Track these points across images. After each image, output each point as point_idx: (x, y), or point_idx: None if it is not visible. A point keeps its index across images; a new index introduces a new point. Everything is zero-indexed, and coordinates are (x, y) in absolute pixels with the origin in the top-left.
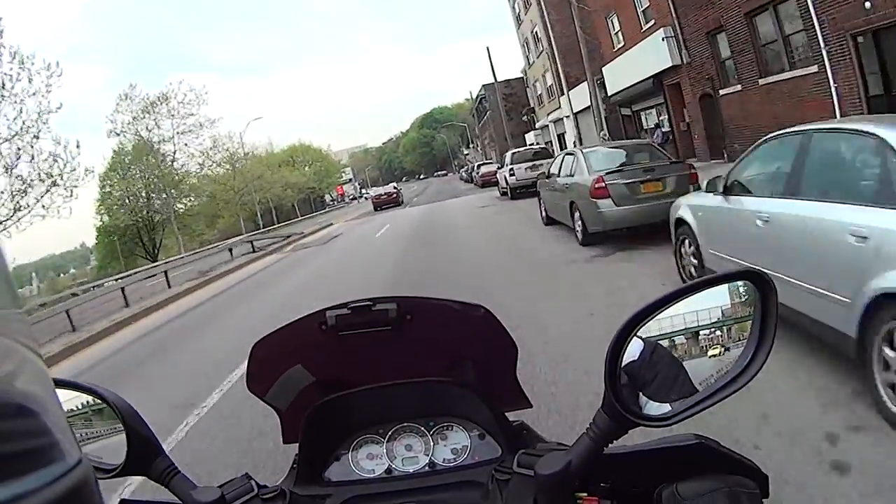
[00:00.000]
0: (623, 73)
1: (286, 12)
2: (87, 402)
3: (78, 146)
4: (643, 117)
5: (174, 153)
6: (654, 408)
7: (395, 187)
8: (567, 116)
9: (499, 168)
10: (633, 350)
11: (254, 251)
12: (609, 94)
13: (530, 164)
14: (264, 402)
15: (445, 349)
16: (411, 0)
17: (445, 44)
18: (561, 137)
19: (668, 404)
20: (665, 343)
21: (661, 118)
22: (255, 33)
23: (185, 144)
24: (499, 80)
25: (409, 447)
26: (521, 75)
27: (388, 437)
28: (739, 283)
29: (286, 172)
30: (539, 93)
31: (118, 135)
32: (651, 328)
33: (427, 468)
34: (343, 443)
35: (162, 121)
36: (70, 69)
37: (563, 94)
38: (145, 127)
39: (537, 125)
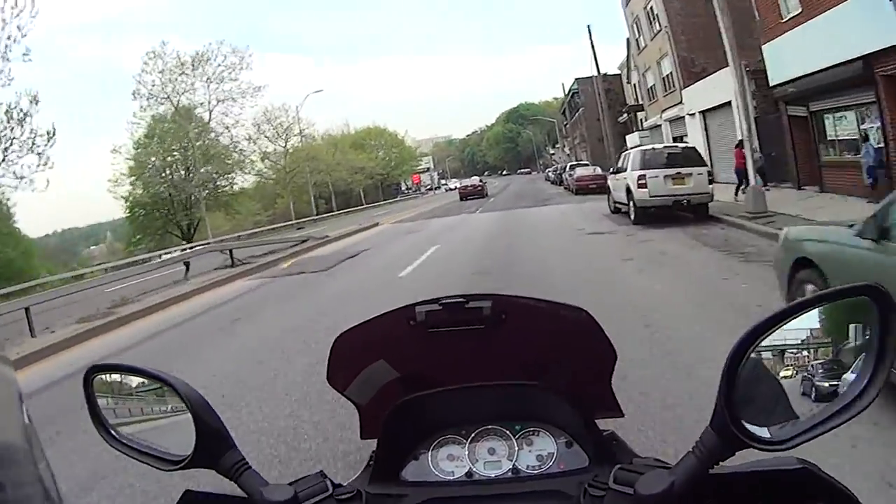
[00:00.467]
0: (800, 53)
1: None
2: (155, 390)
3: (35, 102)
4: (829, 122)
5: (208, 121)
6: (754, 430)
7: (480, 180)
8: (691, 114)
9: (611, 173)
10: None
11: (233, 265)
12: (772, 83)
13: (673, 171)
14: (344, 397)
15: (538, 351)
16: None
17: (535, 44)
18: (678, 141)
19: (766, 428)
20: (772, 361)
21: (868, 126)
22: (346, 19)
23: (224, 114)
24: (593, 74)
25: (491, 451)
26: (617, 72)
27: (470, 438)
28: (856, 299)
29: (353, 156)
30: (651, 84)
31: (147, 99)
32: (760, 345)
33: (510, 474)
34: (423, 442)
35: (198, 84)
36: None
37: (685, 85)
38: (175, 90)
39: (646, 125)
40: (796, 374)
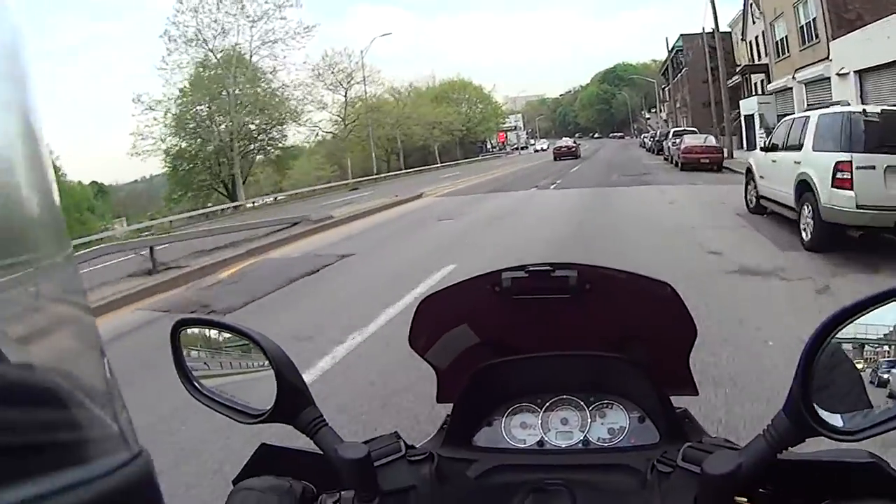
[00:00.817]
0: None
1: None
2: (240, 346)
3: None
4: None
5: (248, 65)
6: (826, 416)
7: (574, 142)
8: (842, 74)
9: (763, 149)
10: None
11: (153, 270)
12: None
13: None
14: (425, 360)
15: (620, 323)
16: None
17: (636, 5)
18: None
19: (839, 415)
20: (851, 350)
21: None
22: None
23: (273, 57)
24: (701, 31)
25: (564, 421)
26: (728, 29)
27: (544, 407)
28: None
29: (427, 109)
30: (781, 36)
31: (181, 42)
32: (842, 333)
33: (581, 445)
34: (497, 409)
35: (240, 24)
36: None
37: (834, 36)
38: (216, 30)
39: (769, 87)
40: (875, 365)
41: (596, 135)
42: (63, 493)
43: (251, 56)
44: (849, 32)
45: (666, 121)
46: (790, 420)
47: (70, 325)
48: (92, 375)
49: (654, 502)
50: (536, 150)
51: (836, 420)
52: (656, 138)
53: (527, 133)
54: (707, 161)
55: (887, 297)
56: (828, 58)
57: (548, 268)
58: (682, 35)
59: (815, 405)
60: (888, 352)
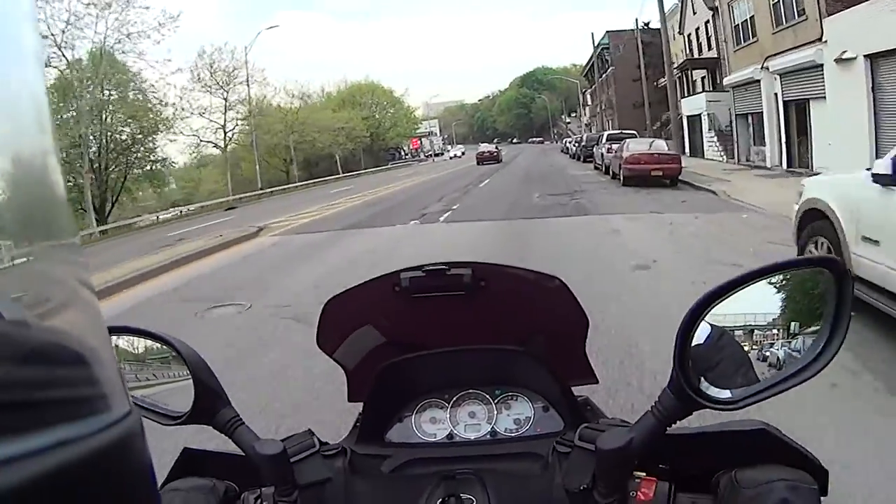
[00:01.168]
0: None
1: None
2: (156, 349)
3: None
4: None
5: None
6: (715, 392)
7: (496, 147)
8: (843, 60)
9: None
10: (700, 333)
11: None
12: None
13: None
14: (333, 360)
15: (516, 318)
16: None
17: (560, 12)
18: (794, 109)
19: (728, 390)
20: (732, 328)
21: None
22: None
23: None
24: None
25: (472, 414)
26: (657, 26)
27: (452, 402)
28: (814, 269)
29: (325, 116)
30: (743, 18)
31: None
32: (720, 311)
33: (488, 436)
34: (407, 405)
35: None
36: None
37: (829, 12)
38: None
39: (727, 81)
40: (757, 339)
41: (514, 140)
42: (54, 450)
43: (101, 54)
44: (848, 7)
45: (588, 125)
46: (675, 395)
47: (64, 282)
48: (85, 333)
49: (556, 481)
50: (451, 157)
51: (725, 393)
52: (582, 143)
53: (443, 139)
54: (660, 174)
55: (756, 276)
56: (820, 39)
57: (443, 267)
58: (608, 32)
59: (706, 382)
60: (767, 327)
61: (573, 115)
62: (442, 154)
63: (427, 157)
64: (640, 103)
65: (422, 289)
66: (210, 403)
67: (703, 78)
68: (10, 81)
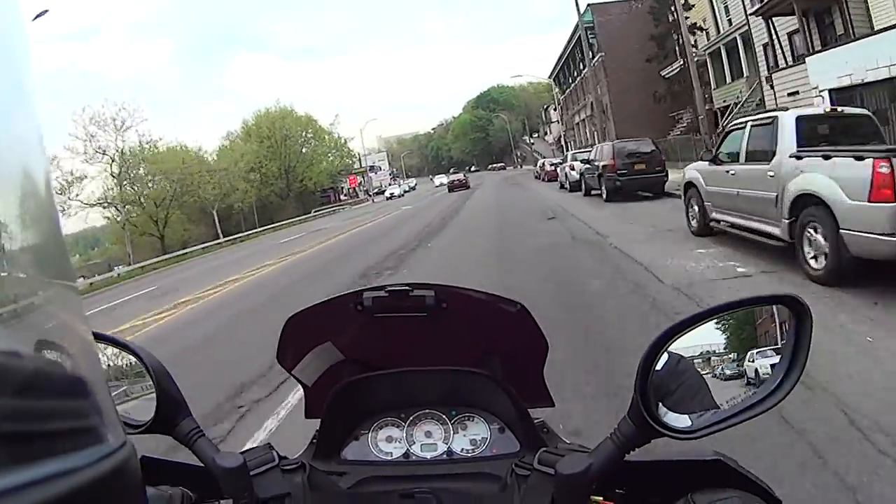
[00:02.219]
0: None
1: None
2: (121, 358)
3: None
4: None
5: None
6: (673, 418)
7: (464, 175)
8: None
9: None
10: (661, 363)
11: None
12: None
13: None
14: (291, 376)
15: (476, 340)
16: None
17: (510, 38)
18: None
19: (686, 416)
20: (693, 358)
21: None
22: (314, 16)
23: None
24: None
25: (428, 434)
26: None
27: (408, 421)
28: (775, 306)
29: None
30: None
31: None
32: (681, 344)
33: (445, 456)
34: (364, 423)
35: None
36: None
37: None
38: None
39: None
40: (718, 370)
41: (473, 167)
42: (52, 481)
43: None
44: None
45: (560, 141)
46: (634, 423)
47: (58, 313)
48: (79, 365)
49: (514, 503)
50: (389, 197)
51: (684, 421)
52: (598, 165)
53: (391, 173)
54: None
55: (718, 312)
56: None
57: (406, 288)
58: (590, 6)
59: (665, 408)
60: (728, 359)
61: (535, 135)
62: (381, 193)
63: (369, 195)
64: (652, 98)
65: (384, 309)
66: (171, 413)
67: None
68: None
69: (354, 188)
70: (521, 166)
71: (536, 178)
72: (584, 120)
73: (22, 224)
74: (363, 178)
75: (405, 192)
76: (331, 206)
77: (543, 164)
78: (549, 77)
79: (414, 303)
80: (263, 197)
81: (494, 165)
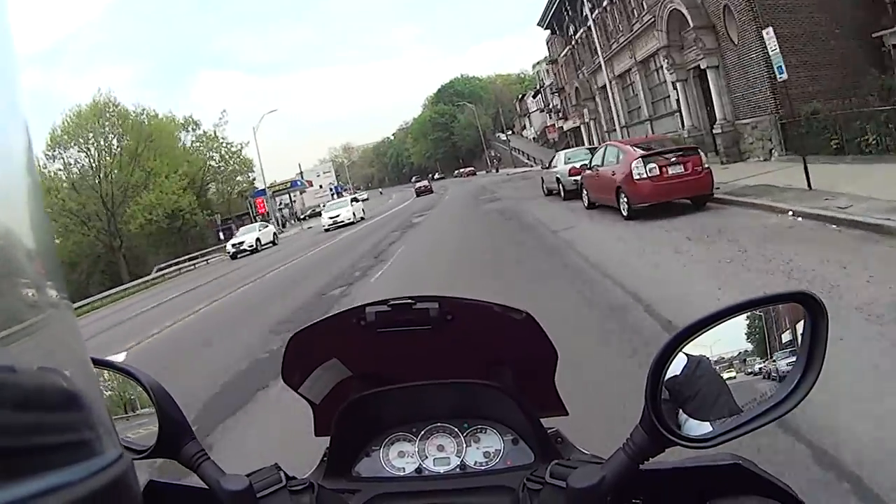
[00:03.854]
0: None
1: (314, 10)
2: (122, 383)
3: None
4: None
5: None
6: (694, 426)
7: (428, 182)
8: None
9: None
10: (676, 365)
11: None
12: None
13: None
14: (298, 395)
15: (484, 351)
16: (440, 2)
17: (473, 44)
18: None
19: (708, 423)
20: (709, 361)
21: None
22: (280, 31)
23: None
24: None
25: (441, 447)
26: None
27: (420, 436)
28: (790, 304)
29: None
30: None
31: None
32: (697, 345)
33: (458, 470)
34: (375, 439)
35: None
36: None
37: None
38: None
39: None
40: (735, 373)
41: (437, 175)
42: (48, 495)
43: None
44: None
45: (550, 132)
46: (646, 432)
47: (53, 328)
48: (74, 379)
49: None
50: (328, 228)
51: (705, 428)
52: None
53: (333, 189)
54: None
55: (732, 313)
56: None
57: (409, 301)
58: None
59: (685, 415)
60: (744, 361)
61: (510, 132)
62: (318, 215)
63: (298, 219)
64: None
65: (387, 323)
66: (175, 437)
67: None
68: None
69: (263, 213)
70: (497, 170)
71: (551, 195)
72: (593, 96)
73: (16, 243)
74: (292, 196)
75: (353, 215)
76: (213, 251)
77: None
78: (540, 23)
79: (418, 316)
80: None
81: (462, 171)
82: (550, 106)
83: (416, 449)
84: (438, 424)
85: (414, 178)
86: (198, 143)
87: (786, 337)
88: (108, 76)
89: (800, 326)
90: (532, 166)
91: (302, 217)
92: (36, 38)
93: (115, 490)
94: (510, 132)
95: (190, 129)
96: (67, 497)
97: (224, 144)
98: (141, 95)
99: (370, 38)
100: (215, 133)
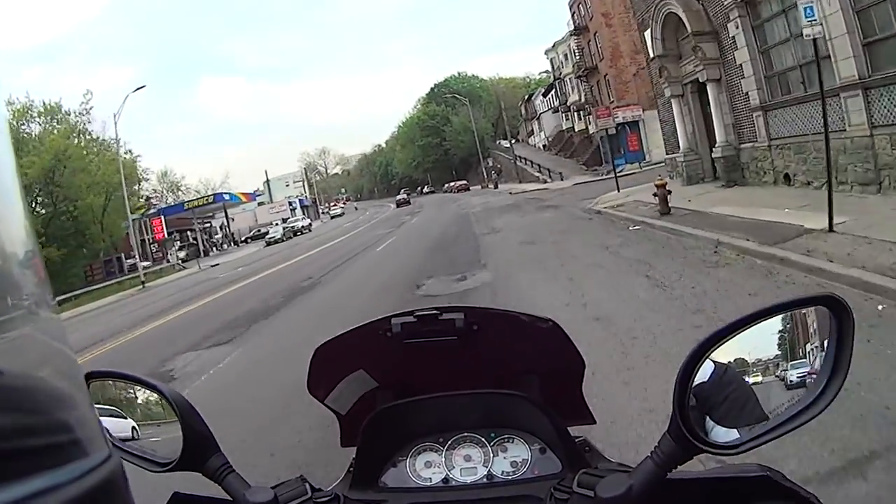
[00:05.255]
0: None
1: (317, 19)
2: (146, 397)
3: None
4: None
5: None
6: (722, 433)
7: (407, 195)
8: None
9: None
10: (704, 372)
11: None
12: None
13: None
14: (325, 406)
15: (511, 360)
16: (441, 15)
17: (474, 58)
18: None
19: (735, 430)
20: (736, 367)
21: None
22: (283, 37)
23: None
24: None
25: (468, 457)
26: None
27: (447, 446)
28: (816, 308)
29: None
30: None
31: None
32: (723, 351)
33: (485, 480)
34: (401, 449)
35: None
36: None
37: None
38: None
39: None
40: (762, 378)
41: (426, 188)
42: (34, 500)
43: None
44: None
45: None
46: (674, 440)
47: (38, 329)
48: (61, 380)
49: None
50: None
51: (732, 435)
52: None
53: (300, 202)
54: None
55: (758, 318)
56: None
57: (435, 311)
58: None
59: (713, 422)
60: (770, 366)
61: (514, 140)
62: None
63: (224, 243)
64: None
65: (413, 334)
66: (200, 450)
67: None
68: None
69: (160, 242)
70: (497, 185)
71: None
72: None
73: (1, 249)
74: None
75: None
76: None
77: None
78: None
79: (444, 326)
80: None
81: (452, 185)
82: (569, 102)
83: (443, 459)
84: (465, 434)
85: (403, 191)
86: (54, 135)
87: (811, 340)
88: (107, 78)
89: (825, 330)
90: (545, 182)
91: (243, 240)
92: (31, 35)
93: (106, 491)
94: (514, 140)
95: (48, 118)
96: (57, 499)
97: (95, 140)
98: (144, 96)
99: (369, 48)
100: (80, 129)
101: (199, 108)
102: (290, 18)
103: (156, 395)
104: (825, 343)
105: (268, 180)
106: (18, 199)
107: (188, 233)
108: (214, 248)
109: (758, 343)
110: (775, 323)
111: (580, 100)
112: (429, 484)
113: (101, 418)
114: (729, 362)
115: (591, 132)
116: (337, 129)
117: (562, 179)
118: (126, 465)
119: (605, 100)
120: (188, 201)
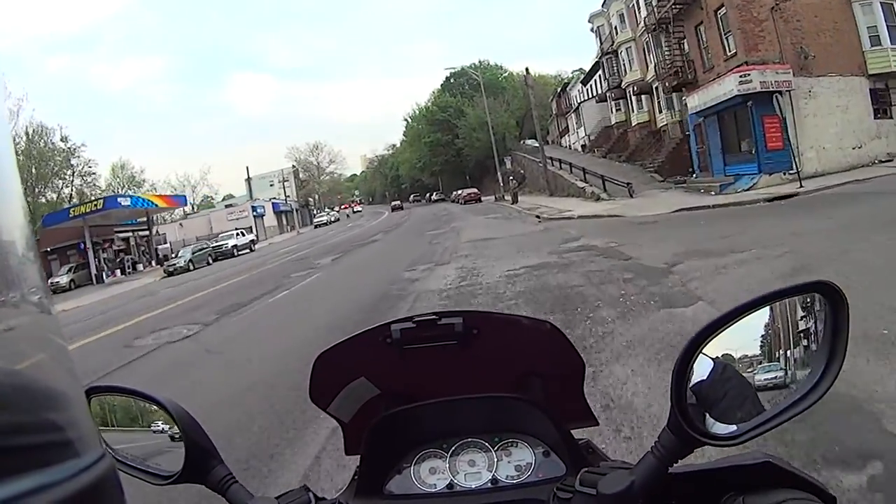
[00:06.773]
0: None
1: (340, 23)
2: (148, 410)
3: None
4: None
5: None
6: (721, 428)
7: (400, 205)
8: None
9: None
10: (703, 369)
11: None
12: None
13: None
14: (327, 414)
15: (511, 364)
16: (470, 19)
17: (509, 62)
18: None
19: (735, 425)
20: (731, 359)
21: None
22: (316, 38)
23: None
24: None
25: (472, 462)
26: None
27: (451, 451)
28: (809, 295)
29: None
30: None
31: None
32: (717, 344)
33: (489, 484)
34: (405, 456)
35: None
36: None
37: None
38: None
39: None
40: (757, 369)
41: (434, 195)
42: (26, 498)
43: None
44: None
45: (605, 138)
46: (674, 434)
47: (32, 327)
48: (54, 378)
49: None
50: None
51: (731, 429)
52: None
53: (274, 207)
54: None
55: (751, 307)
56: None
57: (434, 317)
58: None
59: (713, 419)
60: (765, 356)
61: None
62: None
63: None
64: None
65: (413, 340)
66: (202, 462)
67: None
68: None
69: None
70: (517, 197)
71: None
72: None
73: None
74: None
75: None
76: None
77: None
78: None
79: (443, 331)
80: None
81: (459, 193)
82: (626, 82)
83: (448, 465)
84: (469, 440)
85: (412, 197)
86: None
87: (806, 328)
88: (139, 69)
89: (820, 316)
90: (596, 198)
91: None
92: (62, 24)
93: (98, 491)
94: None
95: None
96: (48, 498)
97: None
98: (170, 89)
99: (396, 51)
100: None
101: (222, 104)
102: (321, 18)
103: (157, 408)
104: (819, 330)
105: (248, 178)
106: (18, 200)
107: (111, 244)
108: (119, 271)
109: (751, 334)
110: (768, 312)
111: (644, 76)
112: (434, 490)
113: (104, 432)
114: (723, 355)
115: (660, 124)
116: (359, 129)
117: (631, 196)
118: (130, 479)
119: (717, 55)
120: (72, 206)
